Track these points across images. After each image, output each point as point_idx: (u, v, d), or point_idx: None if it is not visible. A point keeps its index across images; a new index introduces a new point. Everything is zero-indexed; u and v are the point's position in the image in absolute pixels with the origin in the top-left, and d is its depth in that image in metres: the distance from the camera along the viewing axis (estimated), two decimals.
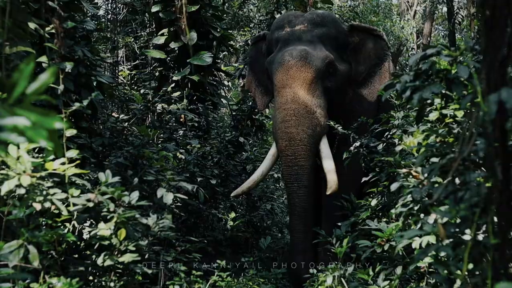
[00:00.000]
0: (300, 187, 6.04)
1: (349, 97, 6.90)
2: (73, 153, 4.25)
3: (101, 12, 13.27)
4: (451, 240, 2.70)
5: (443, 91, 3.05)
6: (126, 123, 7.61)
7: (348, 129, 6.10)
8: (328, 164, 6.10)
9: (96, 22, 9.39)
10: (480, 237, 2.67)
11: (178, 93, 9.28)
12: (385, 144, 5.79)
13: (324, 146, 6.25)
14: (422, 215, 3.58)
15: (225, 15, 11.05)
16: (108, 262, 4.01)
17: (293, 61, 6.26)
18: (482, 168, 2.87)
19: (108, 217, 4.13)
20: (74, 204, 4.11)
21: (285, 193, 6.47)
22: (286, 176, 6.16)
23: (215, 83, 10.28)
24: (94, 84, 6.88)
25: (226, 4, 13.15)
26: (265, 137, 10.73)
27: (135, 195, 4.33)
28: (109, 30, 12.41)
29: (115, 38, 12.22)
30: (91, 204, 4.13)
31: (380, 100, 6.74)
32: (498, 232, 2.44)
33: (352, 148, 5.96)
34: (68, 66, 6.29)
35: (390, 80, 3.30)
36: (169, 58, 10.05)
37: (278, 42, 6.67)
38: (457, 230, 2.67)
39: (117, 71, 12.04)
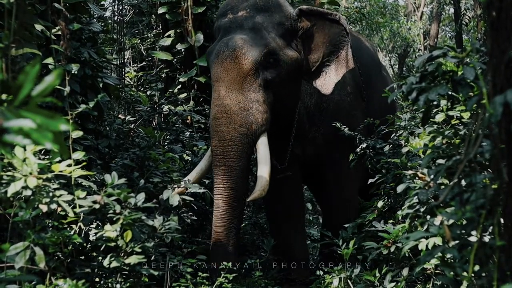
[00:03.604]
0: (225, 189, 5.51)
1: (310, 93, 6.37)
2: (79, 155, 4.26)
3: (107, 13, 13.30)
4: (457, 241, 2.70)
5: (449, 93, 3.04)
6: (133, 125, 7.63)
7: (354, 131, 6.04)
8: (262, 168, 5.62)
9: (102, 24, 9.40)
10: (486, 238, 2.66)
11: (185, 94, 9.29)
12: (391, 145, 5.78)
13: (262, 147, 5.71)
14: (428, 217, 3.58)
15: None
16: (114, 264, 4.01)
17: (228, 52, 5.69)
18: (488, 170, 2.87)
19: (114, 218, 4.14)
20: (80, 206, 4.12)
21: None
22: (214, 177, 5.64)
23: None
24: (100, 86, 6.90)
25: None
26: None
27: (141, 196, 4.34)
28: (116, 31, 12.43)
29: (122, 40, 12.24)
30: (97, 206, 4.14)
31: (362, 94, 6.51)
32: (504, 234, 2.44)
33: (358, 150, 5.93)
34: (74, 68, 6.30)
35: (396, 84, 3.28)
36: (175, 60, 10.06)
37: (220, 30, 6.07)
38: (463, 231, 2.67)
39: (123, 72, 12.06)
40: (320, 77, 6.17)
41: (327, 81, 6.14)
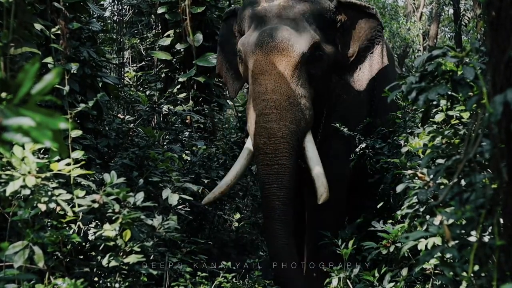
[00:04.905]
0: (281, 188, 5.20)
1: (333, 84, 6.06)
2: (78, 154, 4.26)
3: (107, 13, 13.32)
4: (456, 241, 2.69)
5: (449, 93, 3.04)
6: (132, 124, 7.62)
7: (354, 131, 5.98)
8: (316, 167, 5.34)
9: (101, 23, 9.41)
10: (486, 238, 2.66)
11: (184, 94, 9.31)
12: (390, 145, 5.76)
13: (310, 145, 5.46)
14: (427, 217, 3.58)
15: None
16: (113, 263, 4.01)
17: (274, 43, 5.37)
18: (488, 170, 2.86)
19: (113, 218, 4.13)
20: (79, 205, 4.11)
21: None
22: (264, 176, 5.29)
23: (220, 84, 10.29)
24: (100, 85, 6.90)
25: (232, 5, 13.16)
26: None
27: (140, 196, 4.33)
28: (115, 31, 12.45)
29: (121, 40, 12.26)
30: (96, 205, 4.13)
31: (373, 92, 6.22)
32: (504, 234, 2.44)
33: (357, 149, 5.90)
34: (74, 67, 6.31)
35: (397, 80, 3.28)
36: (174, 60, 10.07)
37: (253, 19, 5.75)
38: (463, 231, 2.67)
39: (123, 72, 12.08)
40: (354, 73, 5.98)
41: (361, 77, 5.96)
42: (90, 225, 4.29)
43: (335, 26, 5.88)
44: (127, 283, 4.12)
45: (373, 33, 5.95)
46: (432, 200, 3.82)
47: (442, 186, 3.35)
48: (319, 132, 5.93)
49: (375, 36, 5.95)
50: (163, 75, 10.59)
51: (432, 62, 3.01)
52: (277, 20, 5.57)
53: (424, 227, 3.80)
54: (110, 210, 4.16)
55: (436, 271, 4.16)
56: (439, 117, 4.37)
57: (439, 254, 2.74)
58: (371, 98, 6.47)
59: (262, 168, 5.32)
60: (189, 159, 7.13)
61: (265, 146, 5.28)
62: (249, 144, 5.62)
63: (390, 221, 4.94)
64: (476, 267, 2.60)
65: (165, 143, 7.54)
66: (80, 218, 4.14)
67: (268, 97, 5.31)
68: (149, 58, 12.27)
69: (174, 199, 5.06)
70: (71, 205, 4.09)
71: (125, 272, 4.18)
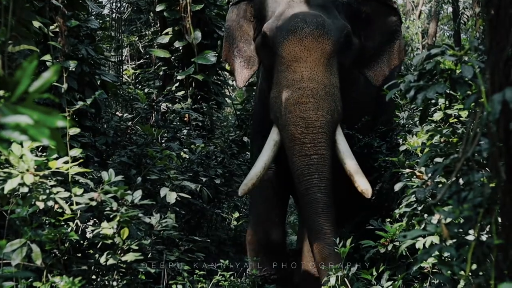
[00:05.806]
0: (322, 179, 4.98)
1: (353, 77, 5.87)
2: (76, 152, 4.26)
3: (105, 11, 13.31)
4: (454, 240, 2.69)
5: (447, 91, 3.03)
6: (130, 122, 7.62)
7: (352, 129, 5.92)
8: (352, 161, 5.16)
9: (100, 21, 9.40)
10: (484, 237, 2.66)
11: (182, 92, 9.30)
12: (389, 144, 5.75)
13: (341, 138, 5.26)
14: (425, 215, 3.58)
15: None
16: (111, 261, 4.01)
17: (308, 29, 5.10)
18: (486, 168, 2.86)
19: (111, 216, 4.14)
20: (77, 203, 4.12)
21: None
22: (302, 167, 5.04)
23: (219, 82, 10.29)
24: (98, 83, 6.90)
25: (231, 3, 13.17)
26: None
27: (138, 194, 4.33)
28: (114, 29, 12.46)
29: (120, 37, 12.26)
30: (94, 203, 4.13)
31: (380, 90, 6.10)
32: (501, 233, 2.44)
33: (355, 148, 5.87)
34: (72, 64, 6.30)
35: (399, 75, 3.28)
36: (173, 57, 10.06)
37: (277, 3, 5.54)
38: (461, 230, 2.67)
39: (121, 70, 12.08)
40: (373, 67, 5.84)
41: (379, 72, 5.82)
42: (88, 223, 4.29)
43: (359, 17, 5.73)
44: (125, 281, 4.13)
45: (393, 28, 5.84)
46: (430, 198, 3.82)
47: (440, 185, 3.36)
48: None
49: (395, 31, 5.84)
50: (161, 73, 10.59)
51: (431, 60, 3.00)
52: (305, 5, 5.38)
53: (422, 226, 3.80)
54: (108, 208, 4.16)
55: (434, 270, 4.16)
56: (438, 115, 4.37)
57: (437, 252, 2.74)
58: (379, 93, 6.17)
59: (299, 159, 5.09)
60: (187, 157, 7.11)
61: (302, 136, 5.06)
62: (274, 134, 5.37)
63: (388, 219, 4.94)
64: (474, 266, 2.60)
65: (163, 141, 7.53)
66: (78, 216, 4.14)
67: (304, 85, 5.11)
68: (147, 56, 12.28)
69: (172, 197, 5.06)
70: (69, 203, 4.09)
71: (123, 270, 4.18)
